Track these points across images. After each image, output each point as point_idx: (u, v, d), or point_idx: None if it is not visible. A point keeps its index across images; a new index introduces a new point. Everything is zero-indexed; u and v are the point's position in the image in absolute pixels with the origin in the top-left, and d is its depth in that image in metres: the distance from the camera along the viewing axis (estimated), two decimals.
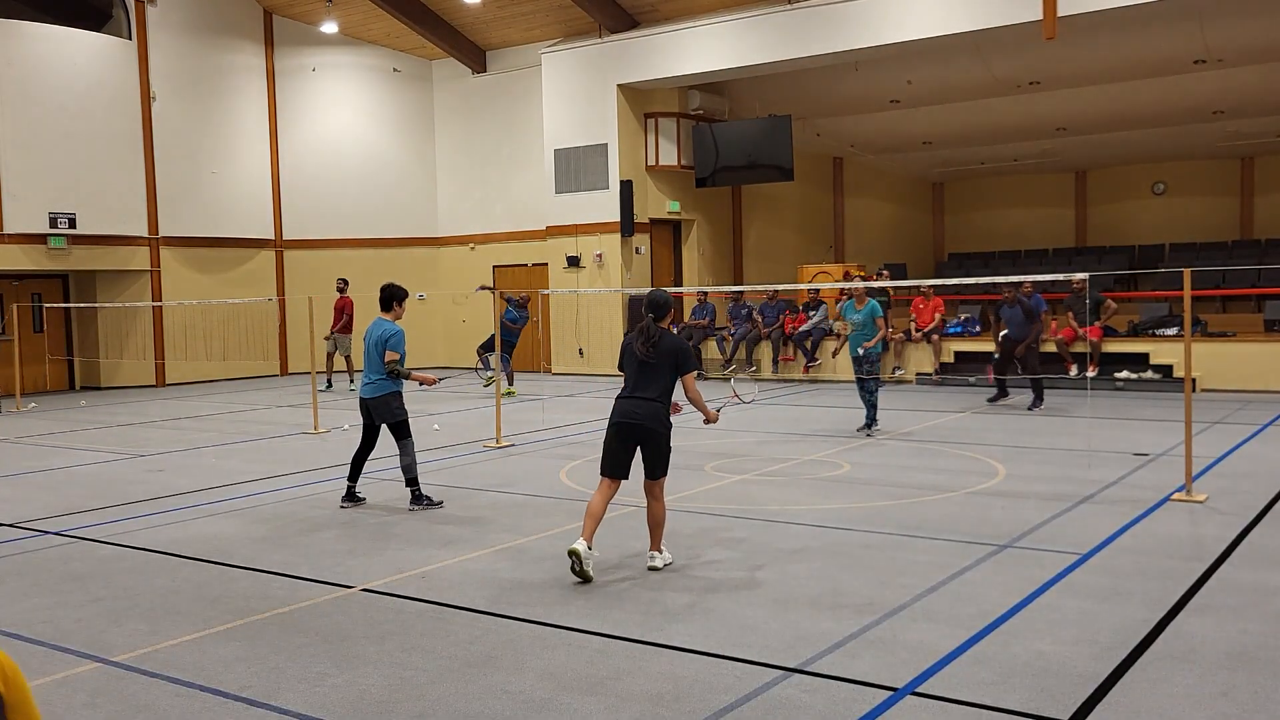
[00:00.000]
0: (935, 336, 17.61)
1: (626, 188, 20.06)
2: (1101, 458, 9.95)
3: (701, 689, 4.56)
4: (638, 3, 19.67)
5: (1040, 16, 15.58)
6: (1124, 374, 15.83)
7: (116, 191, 20.10)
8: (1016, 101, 20.54)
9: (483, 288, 18.91)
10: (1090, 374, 15.68)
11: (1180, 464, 8.54)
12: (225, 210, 22.06)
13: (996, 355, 14.40)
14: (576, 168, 20.71)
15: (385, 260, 22.99)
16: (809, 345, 18.54)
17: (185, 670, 4.96)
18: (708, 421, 6.73)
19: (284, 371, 22.73)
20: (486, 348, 17.60)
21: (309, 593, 6.20)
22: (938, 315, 17.77)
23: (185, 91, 21.32)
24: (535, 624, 5.50)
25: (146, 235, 20.67)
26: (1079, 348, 16.11)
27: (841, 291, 15.79)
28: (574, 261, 20.78)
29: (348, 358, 19.07)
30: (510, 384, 17.49)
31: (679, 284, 21.21)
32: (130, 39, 20.42)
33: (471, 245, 23.36)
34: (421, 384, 8.83)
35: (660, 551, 6.54)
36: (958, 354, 17.60)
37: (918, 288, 17.77)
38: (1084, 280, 15.06)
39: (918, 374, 17.70)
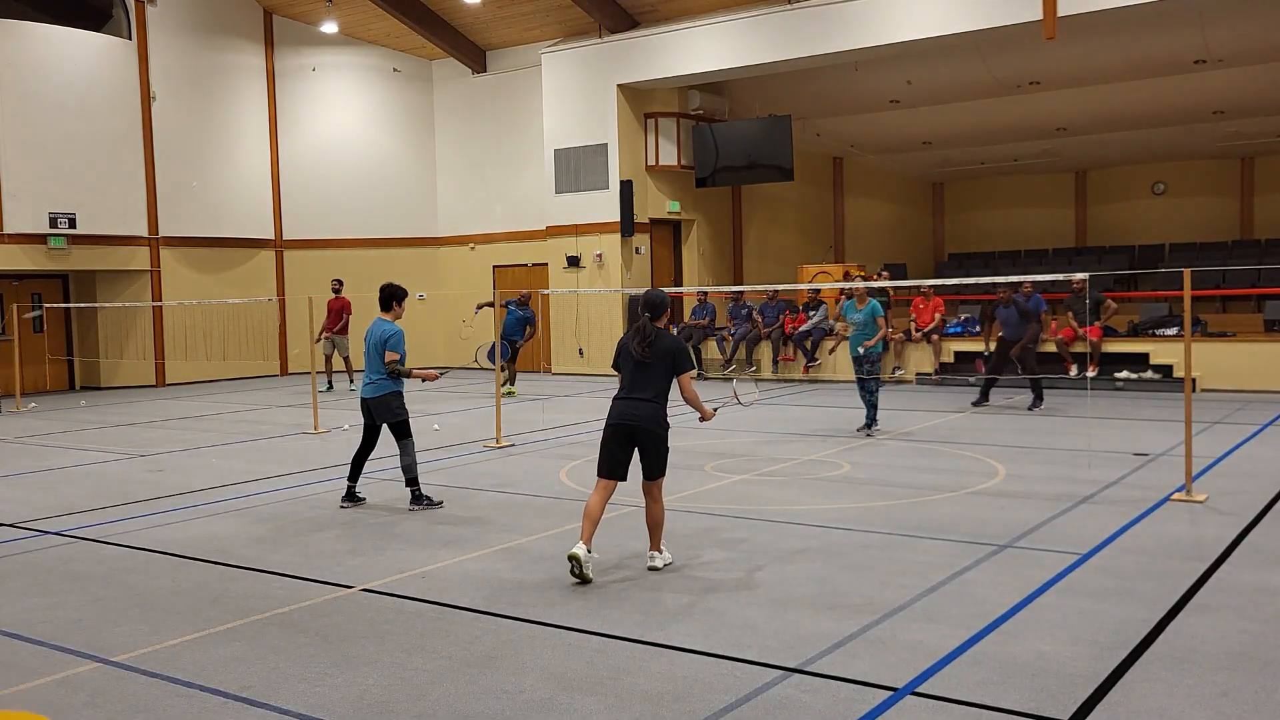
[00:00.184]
0: (935, 336, 17.61)
1: (626, 188, 20.06)
2: (1101, 458, 9.95)
3: (701, 689, 4.56)
4: (638, 3, 19.67)
5: (1040, 16, 15.58)
6: (1124, 374, 15.83)
7: (116, 191, 20.10)
8: (1016, 101, 20.54)
9: (481, 307, 18.60)
10: (1090, 374, 15.68)
11: (1180, 464, 8.54)
12: (225, 210, 22.06)
13: (985, 354, 14.42)
14: (576, 168, 20.71)
15: (385, 260, 22.98)
16: (809, 345, 18.54)
17: (185, 670, 4.96)
18: (704, 420, 6.73)
19: (284, 371, 22.74)
20: (505, 357, 17.57)
21: (309, 593, 6.20)
22: (938, 315, 17.78)
23: (185, 91, 21.32)
24: (535, 624, 5.50)
25: (146, 235, 20.67)
26: (1079, 348, 16.11)
27: (841, 291, 15.80)
28: (574, 261, 20.78)
29: (346, 358, 19.04)
30: (513, 384, 17.50)
31: (679, 284, 21.21)
32: (130, 39, 20.43)
33: (471, 245, 23.36)
34: (424, 380, 8.86)
35: (660, 551, 6.54)
36: (958, 354, 17.59)
37: (918, 288, 17.78)
38: (1084, 280, 15.07)
39: (918, 374, 17.70)
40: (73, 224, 19.29)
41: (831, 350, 15.33)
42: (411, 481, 8.49)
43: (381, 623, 5.60)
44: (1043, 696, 4.39)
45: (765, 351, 19.25)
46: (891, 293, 18.01)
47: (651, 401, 6.39)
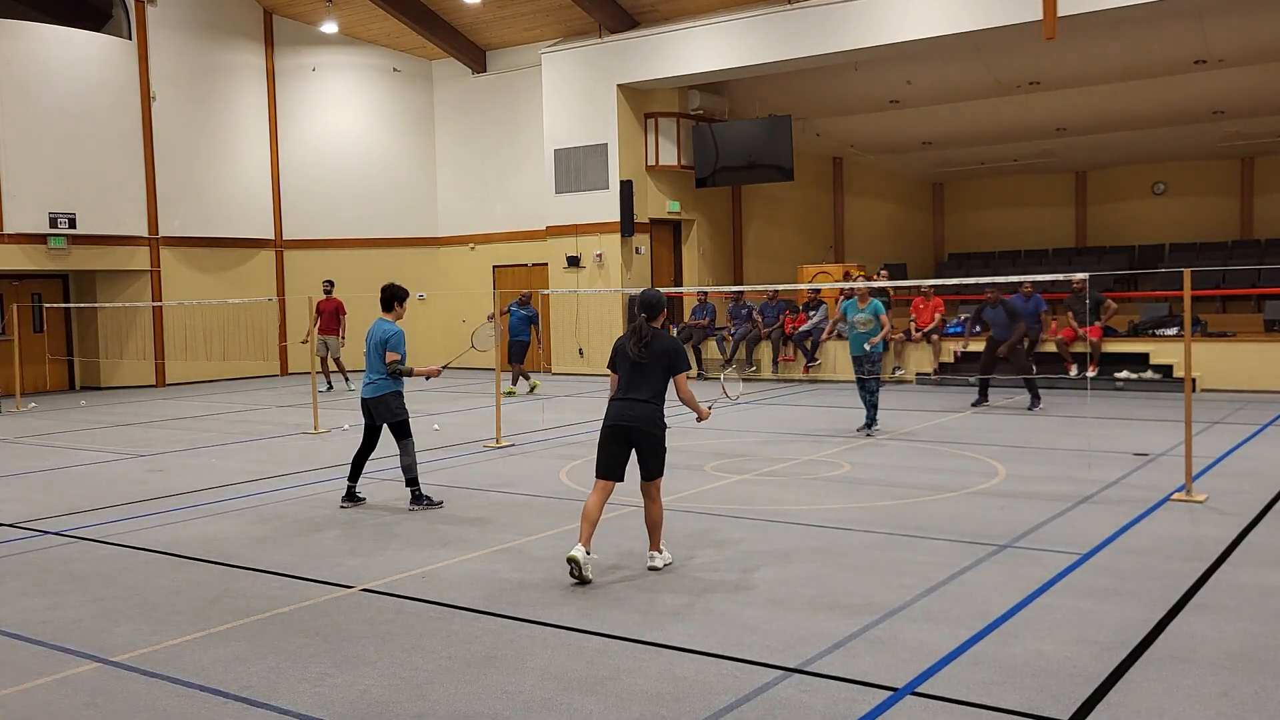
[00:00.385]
0: (935, 336, 17.61)
1: (626, 188, 20.06)
2: (1101, 458, 9.95)
3: (701, 689, 4.56)
4: (638, 3, 19.67)
5: (1040, 16, 15.58)
6: (1124, 374, 15.83)
7: (116, 191, 20.09)
8: (1016, 101, 20.53)
9: (491, 318, 18.59)
10: (1090, 374, 15.68)
11: (1180, 464, 8.54)
12: (225, 210, 22.05)
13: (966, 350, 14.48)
14: (576, 168, 20.71)
15: (385, 260, 22.98)
16: (809, 345, 18.54)
17: (185, 670, 4.96)
18: (701, 420, 6.72)
19: (284, 372, 22.74)
20: (515, 359, 17.57)
21: (309, 593, 6.20)
22: (937, 315, 17.78)
23: (185, 91, 21.31)
24: (535, 624, 5.50)
25: (146, 235, 20.67)
26: (1079, 348, 16.11)
27: (841, 291, 15.80)
28: (574, 261, 20.78)
29: (337, 360, 18.94)
30: (514, 384, 17.51)
31: (679, 284, 21.19)
32: (130, 39, 20.43)
33: (471, 245, 23.36)
34: (427, 377, 8.88)
35: (660, 551, 6.54)
36: (964, 354, 17.58)
37: (918, 288, 17.78)
38: (1084, 280, 15.07)
39: (918, 374, 17.70)
40: (73, 224, 19.29)
41: (826, 335, 16.22)
42: (412, 481, 8.50)
43: (381, 623, 5.60)
44: (1043, 696, 4.39)
45: (765, 351, 19.24)
46: (891, 293, 18.01)
47: (648, 402, 6.39)
